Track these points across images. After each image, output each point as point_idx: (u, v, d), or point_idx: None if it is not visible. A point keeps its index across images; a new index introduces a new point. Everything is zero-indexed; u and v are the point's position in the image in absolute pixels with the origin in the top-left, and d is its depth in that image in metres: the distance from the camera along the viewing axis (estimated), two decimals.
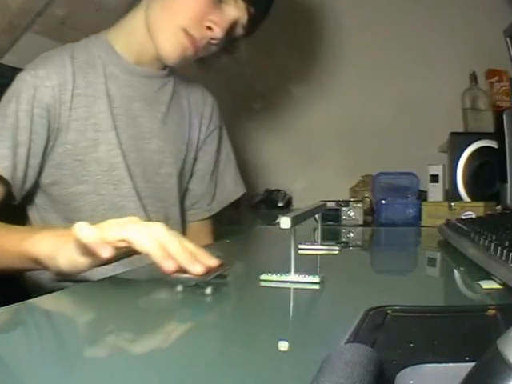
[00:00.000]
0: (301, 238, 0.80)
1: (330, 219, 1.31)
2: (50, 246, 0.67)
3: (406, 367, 0.30)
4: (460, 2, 1.73)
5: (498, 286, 0.54)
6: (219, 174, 1.20)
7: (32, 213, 1.00)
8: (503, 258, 0.55)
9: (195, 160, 1.15)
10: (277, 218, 0.58)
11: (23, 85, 0.91)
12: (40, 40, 1.43)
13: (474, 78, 1.68)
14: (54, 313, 0.58)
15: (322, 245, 0.85)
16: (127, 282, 0.68)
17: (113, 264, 0.67)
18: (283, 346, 0.41)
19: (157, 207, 1.05)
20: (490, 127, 1.51)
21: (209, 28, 0.95)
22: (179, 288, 0.57)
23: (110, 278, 0.66)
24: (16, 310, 0.52)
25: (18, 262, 0.74)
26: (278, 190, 1.80)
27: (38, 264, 0.70)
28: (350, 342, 0.34)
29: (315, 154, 1.86)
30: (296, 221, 0.58)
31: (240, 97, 1.80)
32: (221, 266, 0.59)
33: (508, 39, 1.19)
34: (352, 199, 1.51)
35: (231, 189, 1.22)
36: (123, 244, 0.59)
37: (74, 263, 0.63)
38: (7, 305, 0.52)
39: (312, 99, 1.86)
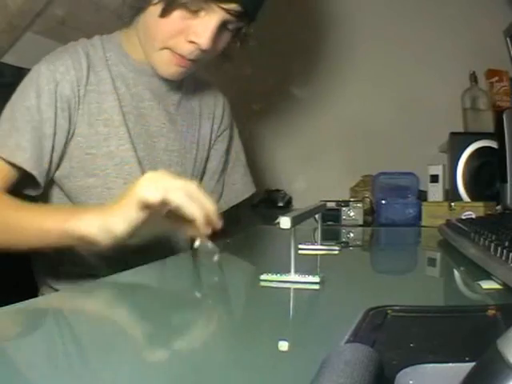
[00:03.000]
0: (301, 238, 0.80)
1: (329, 219, 1.31)
2: (99, 220, 0.73)
3: (406, 367, 0.30)
4: (460, 2, 1.73)
5: (498, 286, 0.54)
6: (228, 174, 1.21)
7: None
8: (503, 258, 0.55)
9: (207, 159, 1.15)
10: (277, 217, 0.58)
11: (43, 78, 0.92)
12: (40, 40, 1.43)
13: (474, 78, 1.68)
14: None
15: (321, 245, 0.85)
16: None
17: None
18: (283, 345, 0.41)
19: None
20: (490, 127, 1.51)
21: (192, 42, 0.93)
22: (197, 243, 0.75)
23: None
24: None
25: (58, 241, 0.78)
26: (278, 190, 1.80)
27: (83, 241, 0.74)
28: (349, 342, 0.34)
29: (315, 154, 1.86)
30: (296, 221, 0.58)
31: (240, 97, 1.80)
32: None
33: (508, 39, 1.19)
34: (352, 199, 1.51)
35: (240, 188, 1.23)
36: (172, 206, 0.69)
37: (130, 221, 0.71)
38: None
39: (312, 100, 1.86)
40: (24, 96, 0.91)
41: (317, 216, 0.85)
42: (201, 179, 1.15)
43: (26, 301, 0.54)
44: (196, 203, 0.69)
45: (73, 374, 0.35)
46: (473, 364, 0.24)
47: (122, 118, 0.98)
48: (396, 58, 1.78)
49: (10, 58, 1.34)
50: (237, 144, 1.23)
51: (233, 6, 0.91)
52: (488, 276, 0.57)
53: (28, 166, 0.88)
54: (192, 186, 0.71)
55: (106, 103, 0.98)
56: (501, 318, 0.39)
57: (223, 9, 0.91)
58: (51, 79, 0.92)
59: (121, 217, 0.71)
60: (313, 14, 1.67)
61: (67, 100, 0.93)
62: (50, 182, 0.97)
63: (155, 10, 0.92)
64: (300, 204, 1.68)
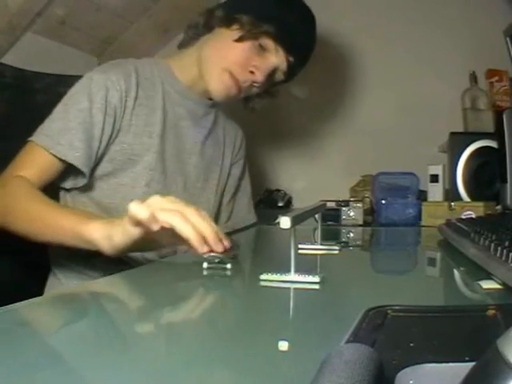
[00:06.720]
0: (301, 238, 0.80)
1: (330, 219, 1.31)
2: (104, 230, 0.77)
3: (406, 367, 0.30)
4: (460, 2, 1.73)
5: (498, 286, 0.54)
6: (236, 199, 1.33)
7: (63, 194, 1.07)
8: (503, 258, 0.55)
9: (226, 182, 1.28)
10: (277, 218, 0.58)
11: (96, 85, 0.99)
12: (40, 40, 1.44)
13: (473, 78, 1.68)
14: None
15: (321, 245, 0.85)
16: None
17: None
18: (283, 345, 0.41)
19: None
20: (490, 127, 1.51)
21: (251, 72, 1.09)
22: (205, 265, 0.69)
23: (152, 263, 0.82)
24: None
25: (70, 241, 0.84)
26: (278, 190, 1.80)
27: (90, 245, 0.79)
28: (349, 342, 0.34)
29: (315, 154, 1.86)
30: (296, 221, 0.58)
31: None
32: (233, 247, 0.72)
33: (508, 39, 1.19)
34: (352, 199, 1.51)
35: (244, 215, 1.35)
36: (167, 225, 0.70)
37: (129, 236, 0.74)
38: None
39: (312, 99, 1.86)
40: (76, 99, 0.99)
41: (317, 216, 0.85)
42: (221, 197, 1.26)
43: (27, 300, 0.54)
44: (189, 223, 0.70)
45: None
46: (473, 364, 0.24)
47: (162, 133, 1.08)
48: (396, 58, 1.78)
49: (9, 58, 1.34)
50: (247, 176, 1.37)
51: (291, 58, 1.12)
52: (488, 276, 0.57)
53: (79, 164, 0.96)
54: (188, 209, 0.72)
55: (152, 117, 1.07)
56: (501, 318, 0.39)
57: (285, 56, 1.10)
58: (103, 86, 1.00)
59: (119, 229, 0.75)
60: (313, 12, 1.67)
61: (114, 108, 1.01)
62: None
63: (230, 34, 1.08)
64: (300, 204, 1.68)
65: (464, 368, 0.24)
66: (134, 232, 0.73)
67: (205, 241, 0.70)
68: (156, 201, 0.72)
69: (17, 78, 1.23)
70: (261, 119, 1.78)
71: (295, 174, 1.88)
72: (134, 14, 1.65)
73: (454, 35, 1.72)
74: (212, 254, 0.70)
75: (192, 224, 0.70)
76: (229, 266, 0.69)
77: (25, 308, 0.53)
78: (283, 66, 1.12)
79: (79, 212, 0.96)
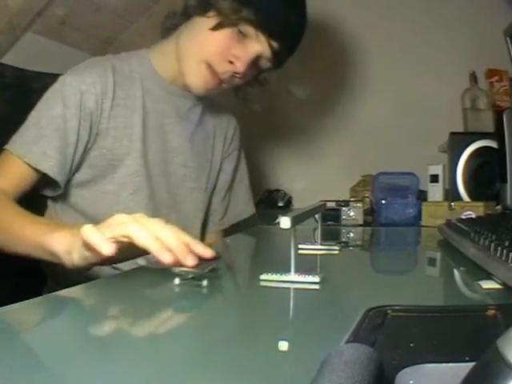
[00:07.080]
0: (301, 238, 0.80)
1: (329, 219, 1.31)
2: (66, 243, 0.71)
3: (406, 367, 0.30)
4: (460, 2, 1.73)
5: (498, 286, 0.54)
6: (233, 192, 1.28)
7: (50, 203, 1.04)
8: (503, 258, 0.55)
9: (217, 177, 1.23)
10: (277, 218, 0.58)
11: (69, 89, 0.95)
12: (40, 40, 1.43)
13: (473, 78, 1.68)
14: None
15: (321, 245, 0.85)
16: (133, 277, 0.68)
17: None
18: (283, 345, 0.41)
19: (175, 218, 1.09)
20: (490, 127, 1.51)
21: (231, 62, 1.00)
22: (176, 281, 0.59)
23: (118, 274, 0.75)
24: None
25: (34, 251, 0.78)
26: (278, 190, 1.80)
27: (54, 257, 0.74)
28: (350, 342, 0.34)
29: (315, 154, 1.86)
30: (296, 221, 0.58)
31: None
32: (215, 258, 0.63)
33: (508, 39, 1.19)
34: (352, 199, 1.51)
35: (242, 208, 1.31)
36: (125, 239, 0.63)
37: (84, 258, 0.68)
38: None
39: (312, 99, 1.86)
40: (50, 105, 0.94)
41: (317, 216, 0.85)
42: (211, 194, 1.22)
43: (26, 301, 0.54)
44: (148, 232, 0.62)
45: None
46: (473, 364, 0.24)
47: (142, 134, 1.03)
48: (396, 58, 1.78)
49: (9, 58, 1.34)
50: (243, 166, 1.30)
51: (275, 45, 1.01)
52: (488, 276, 0.57)
53: (53, 173, 0.93)
54: (150, 221, 0.64)
55: (132, 118, 1.02)
56: (501, 318, 0.39)
57: (268, 42, 1.00)
58: (77, 90, 0.95)
59: (77, 251, 0.69)
60: (312, 14, 1.67)
61: (90, 112, 0.96)
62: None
63: (206, 22, 0.99)
64: (300, 204, 1.68)
65: (464, 368, 0.24)
66: (89, 256, 0.67)
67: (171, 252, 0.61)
68: (116, 219, 0.65)
69: (17, 78, 1.22)
70: (261, 119, 1.78)
71: (295, 174, 1.87)
72: (134, 13, 1.65)
73: (454, 35, 1.72)
74: (182, 268, 0.59)
75: (152, 232, 0.62)
76: (205, 283, 0.58)
77: (21, 309, 0.53)
78: (267, 53, 1.02)
79: (51, 222, 0.90)
